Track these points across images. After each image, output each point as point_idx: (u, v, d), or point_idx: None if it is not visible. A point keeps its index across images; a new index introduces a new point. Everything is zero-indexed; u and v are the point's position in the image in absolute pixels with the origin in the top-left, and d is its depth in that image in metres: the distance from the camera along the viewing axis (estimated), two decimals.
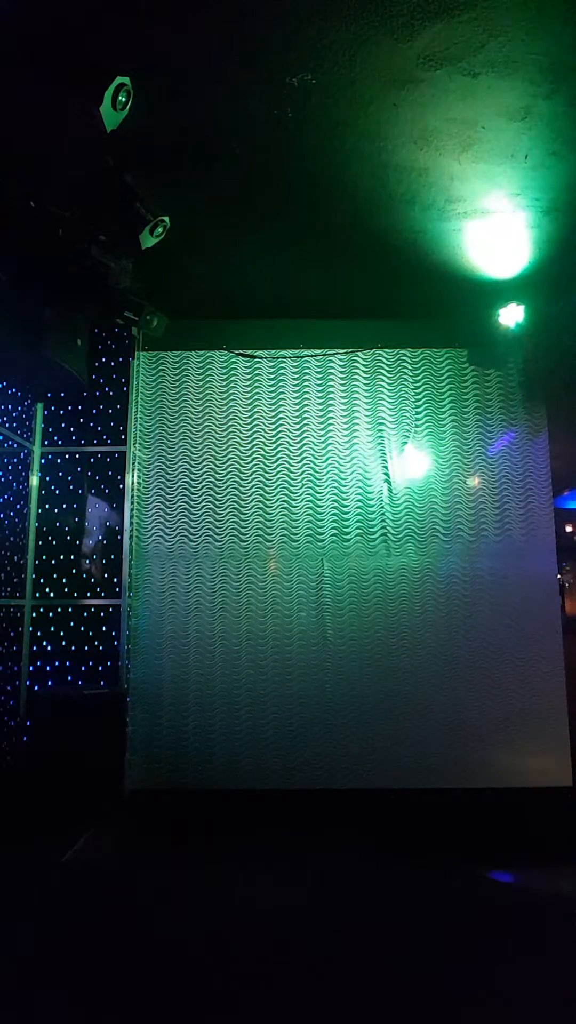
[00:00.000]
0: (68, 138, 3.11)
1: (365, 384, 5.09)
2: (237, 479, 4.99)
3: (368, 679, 4.74)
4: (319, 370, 5.11)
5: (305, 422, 5.05)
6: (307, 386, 5.10)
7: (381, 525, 4.94)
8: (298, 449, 5.02)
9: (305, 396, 5.08)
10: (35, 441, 4.90)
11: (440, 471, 5.00)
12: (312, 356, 5.12)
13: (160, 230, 3.71)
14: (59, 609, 4.74)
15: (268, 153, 3.34)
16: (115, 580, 4.77)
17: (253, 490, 4.98)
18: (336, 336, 5.12)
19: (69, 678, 4.63)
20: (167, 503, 4.98)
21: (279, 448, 5.02)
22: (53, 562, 4.80)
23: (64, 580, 4.78)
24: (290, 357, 5.12)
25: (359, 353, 5.12)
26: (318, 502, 4.96)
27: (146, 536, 4.93)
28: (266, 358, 5.11)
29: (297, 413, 5.06)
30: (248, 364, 5.12)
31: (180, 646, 4.78)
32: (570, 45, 2.69)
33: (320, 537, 4.92)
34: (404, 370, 5.11)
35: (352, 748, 4.65)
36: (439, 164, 3.40)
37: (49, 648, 4.68)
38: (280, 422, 5.05)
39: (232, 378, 5.11)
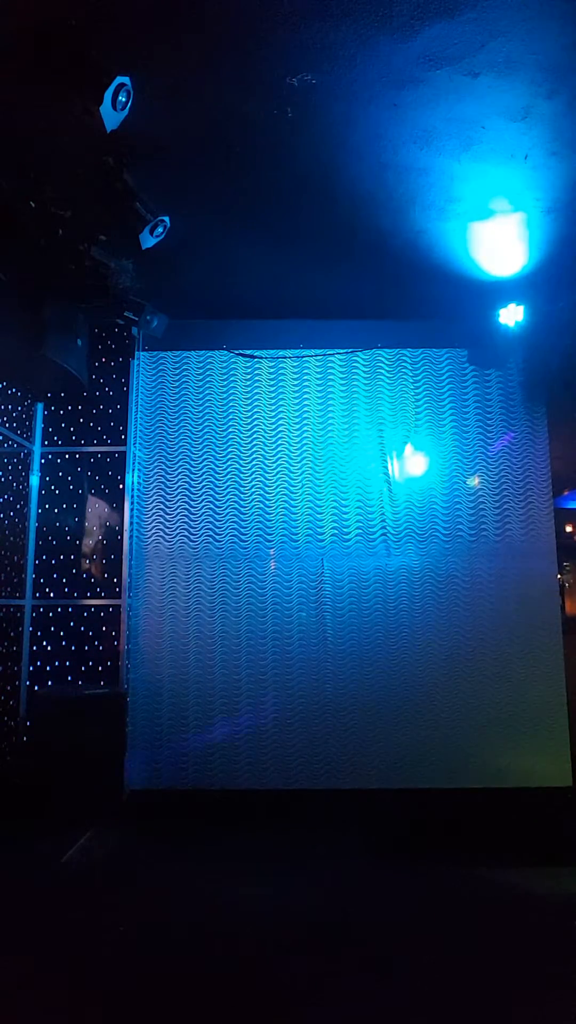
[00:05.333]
0: (68, 138, 3.11)
1: (365, 384, 5.09)
2: (237, 479, 4.99)
3: (368, 679, 4.74)
4: (319, 370, 5.11)
5: (305, 422, 5.05)
6: (307, 386, 5.10)
7: (381, 525, 4.94)
8: (298, 449, 5.02)
9: (305, 396, 5.08)
10: (35, 441, 4.90)
11: (440, 471, 5.00)
12: (312, 356, 5.12)
13: (160, 230, 3.71)
14: (59, 609, 4.73)
15: (268, 153, 3.34)
16: (115, 580, 4.77)
17: (253, 490, 4.98)
18: (336, 336, 5.12)
19: (69, 678, 4.63)
20: (167, 503, 4.98)
21: (279, 448, 5.02)
22: (53, 562, 4.80)
23: (64, 580, 4.78)
24: (290, 357, 5.12)
25: (359, 353, 5.12)
26: (318, 502, 4.96)
27: (146, 536, 4.93)
28: (266, 358, 5.11)
29: (297, 413, 5.06)
30: (248, 364, 5.12)
31: (180, 646, 4.78)
32: (570, 45, 2.69)
33: (320, 537, 4.92)
34: (404, 370, 5.11)
35: (352, 748, 4.66)
36: (439, 164, 3.40)
37: (49, 648, 4.68)
38: (280, 422, 5.05)
39: (232, 378, 5.11)
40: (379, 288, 4.69)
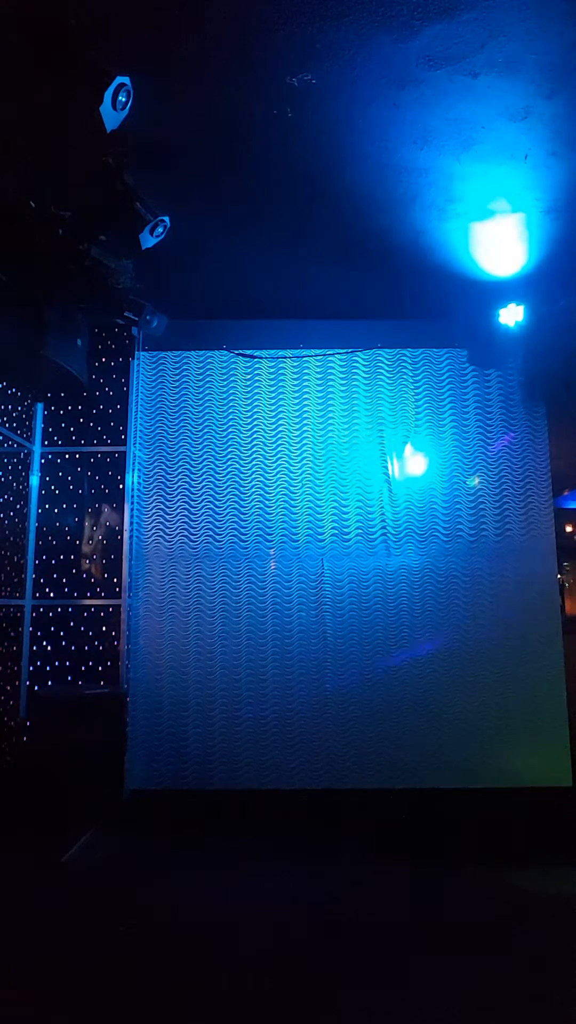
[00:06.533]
0: (68, 138, 3.11)
1: (365, 384, 5.09)
2: (237, 479, 4.99)
3: (368, 679, 4.73)
4: (319, 370, 5.11)
5: (305, 422, 5.05)
6: (307, 386, 5.10)
7: (381, 525, 4.94)
8: (298, 449, 5.02)
9: (305, 396, 5.08)
10: (35, 441, 4.90)
11: (440, 471, 5.00)
12: (312, 356, 5.12)
13: (160, 230, 3.70)
14: (59, 609, 4.74)
15: (268, 153, 3.34)
16: (115, 580, 4.77)
17: (253, 490, 4.98)
18: (336, 336, 5.12)
19: (69, 678, 4.63)
20: (167, 503, 4.98)
21: (279, 448, 5.02)
22: (53, 562, 4.80)
23: (64, 580, 4.78)
24: (290, 357, 5.12)
25: (359, 353, 5.12)
26: (318, 502, 4.96)
27: (146, 536, 4.93)
28: (266, 358, 5.11)
29: (297, 413, 5.06)
30: (248, 364, 5.12)
31: (180, 646, 4.78)
32: (570, 45, 2.69)
33: (320, 537, 4.92)
34: (404, 370, 5.11)
35: (352, 748, 4.65)
36: (439, 164, 3.40)
37: (49, 648, 4.68)
38: (280, 422, 5.05)
39: (232, 378, 5.11)
40: (379, 288, 4.69)
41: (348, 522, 4.94)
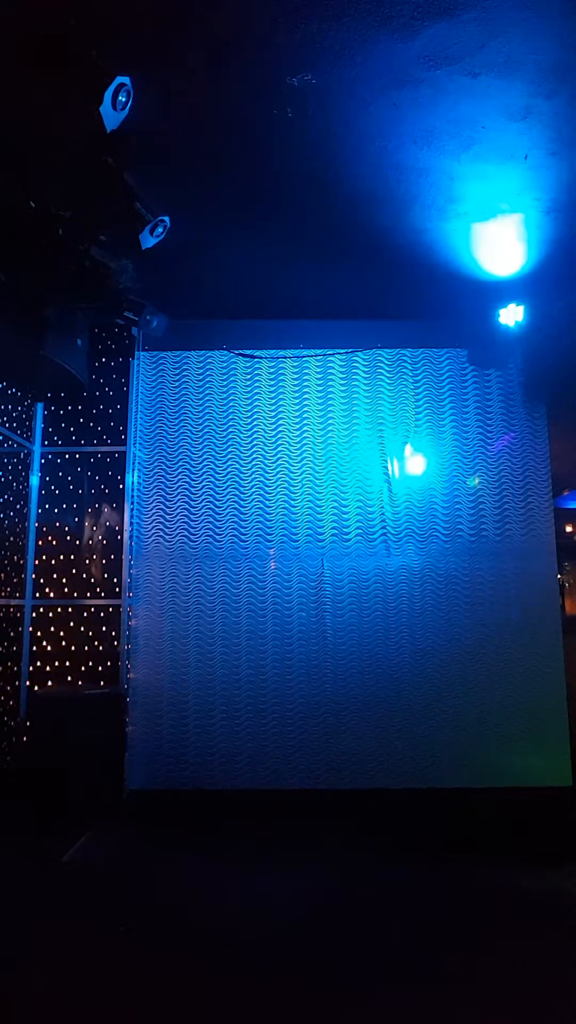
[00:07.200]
0: (68, 138, 3.11)
1: (365, 384, 5.10)
2: (237, 479, 4.99)
3: (368, 679, 4.74)
4: (319, 370, 5.11)
5: (305, 422, 5.05)
6: (307, 386, 5.10)
7: (381, 525, 4.94)
8: (298, 449, 5.02)
9: (305, 396, 5.08)
10: (35, 441, 4.90)
11: (440, 471, 5.00)
12: (312, 356, 5.12)
13: (160, 230, 3.71)
14: (59, 609, 4.73)
15: (268, 153, 3.34)
16: (115, 580, 4.77)
17: (253, 490, 4.99)
18: (336, 336, 5.12)
19: (69, 678, 4.63)
20: (167, 503, 4.98)
21: (279, 448, 5.03)
22: (53, 562, 4.80)
23: (64, 580, 4.78)
24: (290, 357, 5.12)
25: (359, 353, 5.12)
26: (318, 502, 4.96)
27: (146, 536, 4.93)
28: (266, 358, 5.11)
29: (297, 413, 5.07)
30: (248, 364, 5.12)
31: (180, 646, 4.78)
32: (570, 45, 2.69)
33: (320, 537, 4.92)
34: (404, 370, 5.11)
35: (351, 748, 4.66)
36: (439, 164, 3.40)
37: (49, 648, 4.68)
38: (280, 422, 5.06)
39: (232, 378, 5.11)
40: (379, 288, 4.69)
41: (348, 522, 4.95)
